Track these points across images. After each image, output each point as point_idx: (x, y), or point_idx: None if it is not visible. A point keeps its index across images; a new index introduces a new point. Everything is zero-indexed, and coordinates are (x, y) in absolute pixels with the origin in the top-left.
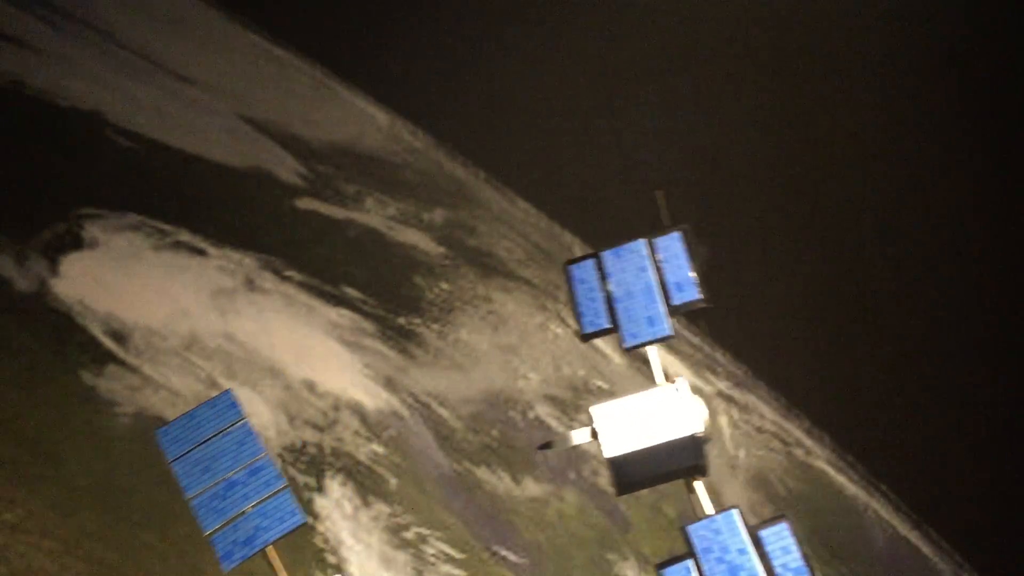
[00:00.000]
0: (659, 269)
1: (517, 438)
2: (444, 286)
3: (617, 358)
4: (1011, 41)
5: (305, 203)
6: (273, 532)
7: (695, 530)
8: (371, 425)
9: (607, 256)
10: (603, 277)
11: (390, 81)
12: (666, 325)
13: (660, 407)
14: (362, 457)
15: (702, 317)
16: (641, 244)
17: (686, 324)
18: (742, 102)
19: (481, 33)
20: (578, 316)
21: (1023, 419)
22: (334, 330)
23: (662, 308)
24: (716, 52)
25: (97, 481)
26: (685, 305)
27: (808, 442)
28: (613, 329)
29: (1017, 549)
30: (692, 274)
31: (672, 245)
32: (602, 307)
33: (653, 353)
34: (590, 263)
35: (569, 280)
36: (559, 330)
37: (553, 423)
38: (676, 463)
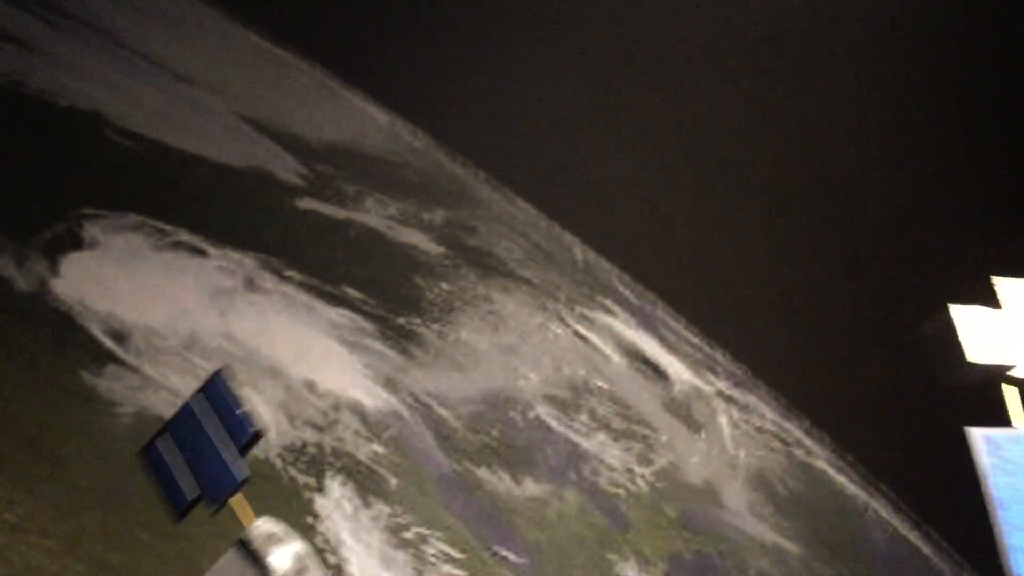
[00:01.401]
0: (219, 418)
1: (517, 438)
2: (444, 286)
3: (617, 357)
4: (1011, 42)
5: (305, 203)
6: None
7: None
8: (371, 425)
9: (175, 425)
10: (178, 447)
11: (390, 81)
12: (236, 473)
13: (240, 572)
14: (362, 457)
15: (703, 316)
16: (193, 403)
17: (686, 324)
18: (743, 102)
19: (481, 34)
20: (167, 498)
21: None
22: (334, 330)
23: (228, 457)
24: (717, 53)
25: (97, 481)
26: (250, 442)
27: (808, 442)
28: (202, 495)
29: None
30: (242, 410)
31: (217, 392)
32: (185, 479)
33: (238, 504)
34: (161, 441)
35: (148, 463)
36: (559, 330)
37: (553, 423)
38: None
